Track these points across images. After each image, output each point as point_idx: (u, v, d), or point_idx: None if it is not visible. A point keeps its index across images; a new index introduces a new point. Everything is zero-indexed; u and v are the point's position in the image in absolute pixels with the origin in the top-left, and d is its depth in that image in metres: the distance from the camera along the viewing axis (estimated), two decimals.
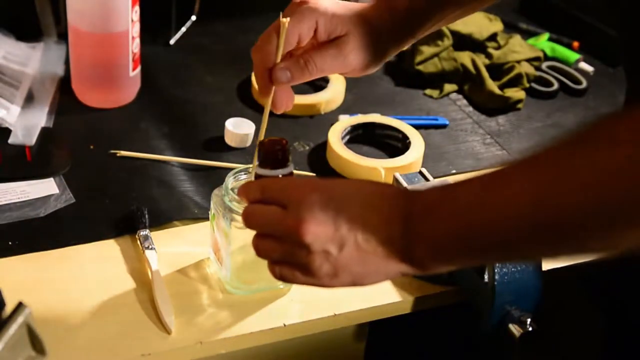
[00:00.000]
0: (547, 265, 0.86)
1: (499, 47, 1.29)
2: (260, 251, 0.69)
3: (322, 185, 0.68)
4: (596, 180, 0.55)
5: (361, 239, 0.65)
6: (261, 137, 0.79)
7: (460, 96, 1.23)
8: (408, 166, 1.03)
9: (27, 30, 1.22)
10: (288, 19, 0.76)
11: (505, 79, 1.23)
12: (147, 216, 0.92)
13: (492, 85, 1.21)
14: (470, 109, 1.21)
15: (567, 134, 0.59)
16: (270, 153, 0.74)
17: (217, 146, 1.08)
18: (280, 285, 0.87)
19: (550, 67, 1.30)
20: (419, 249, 0.64)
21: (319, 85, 1.21)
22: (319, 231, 0.65)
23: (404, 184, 0.93)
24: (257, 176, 0.75)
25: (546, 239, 0.59)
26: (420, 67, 1.24)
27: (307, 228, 0.65)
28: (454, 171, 1.08)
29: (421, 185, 0.93)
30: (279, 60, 0.77)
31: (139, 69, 1.14)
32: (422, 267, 0.65)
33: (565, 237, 0.58)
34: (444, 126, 1.17)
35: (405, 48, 0.86)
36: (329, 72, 0.80)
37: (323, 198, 0.66)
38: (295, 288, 0.88)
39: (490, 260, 0.70)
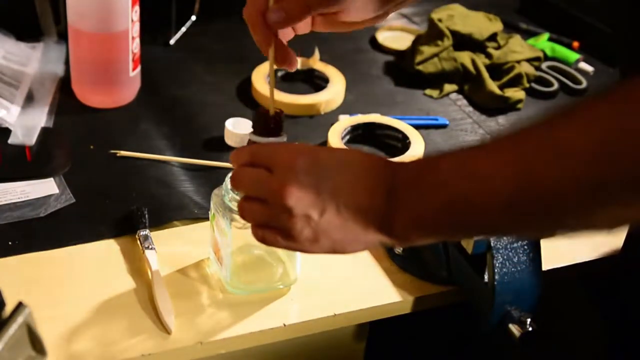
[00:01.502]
0: (547, 265, 0.86)
1: (499, 47, 1.29)
2: (244, 213, 0.70)
3: (309, 151, 0.69)
4: (575, 154, 0.56)
5: (343, 205, 0.66)
6: (271, 94, 0.78)
7: (460, 96, 1.23)
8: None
9: (27, 30, 1.22)
10: None
11: (505, 79, 1.23)
12: (147, 216, 0.92)
13: (492, 85, 1.21)
14: (470, 109, 1.21)
15: (547, 112, 0.59)
16: (264, 121, 0.76)
17: (217, 146, 1.08)
18: (280, 285, 0.87)
19: (550, 67, 1.30)
20: (399, 219, 0.65)
21: (319, 85, 1.21)
22: (302, 195, 0.66)
23: None
24: (250, 142, 0.77)
25: (523, 212, 0.59)
26: (420, 67, 1.24)
27: (290, 191, 0.66)
28: None
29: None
30: (271, 3, 0.73)
31: (139, 69, 1.14)
32: (402, 238, 0.66)
33: (541, 211, 0.59)
34: (444, 126, 1.17)
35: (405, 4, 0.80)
36: (323, 8, 0.74)
37: (308, 163, 0.67)
38: (295, 288, 0.88)
39: (470, 234, 0.69)
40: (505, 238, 0.82)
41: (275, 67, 0.76)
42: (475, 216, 0.62)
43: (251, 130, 0.77)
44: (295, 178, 0.67)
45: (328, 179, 0.67)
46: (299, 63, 1.21)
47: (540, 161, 0.57)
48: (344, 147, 1.05)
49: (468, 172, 0.62)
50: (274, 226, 0.69)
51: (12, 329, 0.66)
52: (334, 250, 0.69)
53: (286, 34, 0.78)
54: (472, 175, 0.61)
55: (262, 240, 0.70)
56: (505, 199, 0.59)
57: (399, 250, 0.91)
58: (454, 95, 1.23)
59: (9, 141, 1.04)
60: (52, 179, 0.99)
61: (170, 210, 0.95)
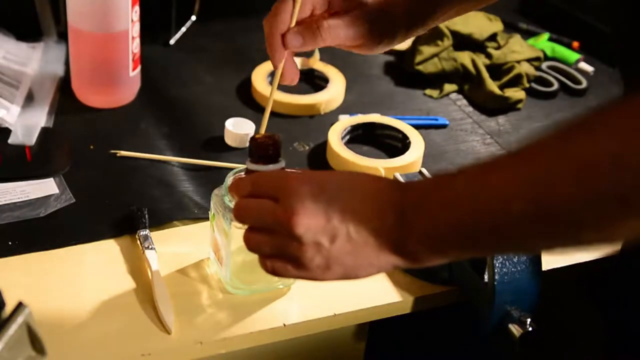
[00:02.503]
0: (547, 265, 0.86)
1: (499, 47, 1.29)
2: (251, 245, 0.69)
3: (314, 177, 0.68)
4: (592, 168, 0.55)
5: (353, 230, 0.64)
6: (269, 105, 0.80)
7: (460, 96, 1.23)
8: (408, 166, 1.03)
9: (27, 30, 1.22)
10: None
11: (505, 79, 1.23)
12: (147, 216, 0.92)
13: (492, 85, 1.21)
14: (470, 109, 1.21)
15: (561, 125, 0.58)
16: (262, 148, 0.75)
17: (217, 146, 1.07)
18: (280, 285, 0.87)
19: (550, 67, 1.30)
20: (411, 240, 0.63)
21: (319, 85, 1.21)
22: (311, 223, 0.64)
23: None
24: (248, 171, 0.76)
25: (539, 229, 0.58)
26: (420, 67, 1.24)
27: (298, 220, 0.64)
28: None
29: (415, 177, 0.94)
30: (293, 24, 0.78)
31: (139, 69, 1.14)
32: (415, 259, 0.65)
33: (558, 227, 0.58)
34: (444, 126, 1.17)
35: (412, 35, 0.86)
36: (338, 41, 0.80)
37: (315, 190, 0.66)
38: (295, 288, 0.88)
39: (483, 251, 0.68)
40: None
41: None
42: (487, 234, 0.61)
43: (248, 158, 0.76)
44: (302, 205, 0.65)
45: (336, 204, 0.65)
46: (299, 63, 1.22)
47: (556, 175, 0.56)
48: (344, 147, 1.05)
49: (480, 187, 0.60)
50: (283, 256, 0.67)
51: (12, 329, 0.66)
52: (347, 276, 0.67)
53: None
54: (484, 191, 0.60)
55: (272, 271, 0.68)
56: (518, 215, 0.58)
57: None
58: (454, 95, 1.23)
59: (9, 141, 1.04)
60: (52, 179, 0.99)
61: (170, 210, 0.95)
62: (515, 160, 0.60)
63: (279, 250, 0.67)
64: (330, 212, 0.65)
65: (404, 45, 1.31)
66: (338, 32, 0.79)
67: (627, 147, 0.53)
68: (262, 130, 0.80)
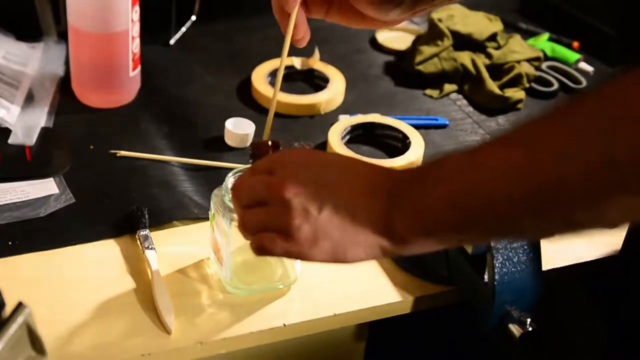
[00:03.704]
0: (547, 265, 0.86)
1: (499, 47, 1.29)
2: (245, 221, 0.68)
3: (309, 152, 0.70)
4: (583, 140, 0.55)
5: (342, 203, 0.65)
6: (281, 69, 0.79)
7: (460, 96, 1.23)
8: (408, 166, 1.03)
9: (27, 30, 1.22)
10: None
11: (505, 79, 1.23)
12: (147, 216, 0.92)
13: (492, 85, 1.21)
14: (470, 109, 1.21)
15: (552, 108, 0.58)
16: (262, 154, 0.75)
17: (217, 146, 1.07)
18: (280, 285, 0.87)
19: (550, 67, 1.30)
20: (400, 219, 0.63)
21: (319, 85, 1.21)
22: (301, 189, 0.65)
23: None
24: None
25: (529, 208, 0.58)
26: (420, 67, 1.24)
27: (288, 185, 0.65)
28: None
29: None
30: None
31: (139, 69, 1.14)
32: (402, 240, 0.64)
33: (548, 206, 0.57)
34: (444, 126, 1.17)
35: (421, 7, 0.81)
36: None
37: (309, 161, 0.67)
38: (295, 288, 0.88)
39: (473, 234, 0.66)
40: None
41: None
42: (479, 210, 0.60)
43: (250, 161, 0.76)
44: (294, 174, 0.66)
45: (328, 177, 0.66)
46: (299, 63, 1.22)
47: (547, 149, 0.56)
48: (344, 147, 1.05)
49: (471, 164, 0.61)
50: (272, 228, 0.67)
51: (12, 329, 0.66)
52: (335, 254, 0.66)
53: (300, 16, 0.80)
54: (476, 167, 0.60)
55: (260, 247, 0.67)
56: (509, 190, 0.58)
57: None
58: (454, 95, 1.23)
59: (9, 141, 1.04)
60: (52, 179, 0.99)
61: (170, 210, 0.95)
62: (507, 138, 0.61)
63: (269, 221, 0.67)
64: (321, 182, 0.66)
65: (404, 45, 1.31)
66: None
67: (617, 119, 0.53)
68: (267, 131, 0.80)
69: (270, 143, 0.76)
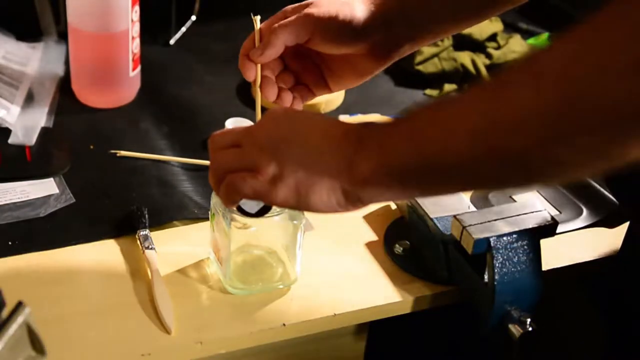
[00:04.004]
0: (547, 265, 0.86)
1: (499, 47, 1.29)
2: (217, 162, 0.71)
3: (287, 110, 0.75)
4: (545, 74, 0.55)
5: (312, 145, 0.67)
6: (258, 108, 0.84)
7: None
8: None
9: (27, 30, 1.22)
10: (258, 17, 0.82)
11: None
12: (147, 216, 0.92)
13: None
14: None
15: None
16: None
17: None
18: (280, 285, 0.87)
19: None
20: (363, 157, 0.65)
21: None
22: (272, 133, 0.68)
23: None
24: None
25: (494, 143, 0.58)
26: (420, 67, 1.24)
27: (262, 128, 0.69)
28: None
29: None
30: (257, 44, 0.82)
31: (139, 69, 1.14)
32: (363, 181, 0.65)
33: (512, 140, 0.57)
34: None
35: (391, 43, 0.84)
36: (292, 38, 0.80)
37: (283, 114, 0.71)
38: (295, 288, 0.88)
39: (433, 180, 0.65)
40: (504, 238, 0.82)
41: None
42: (441, 150, 0.60)
43: None
44: (268, 120, 0.70)
45: (300, 125, 0.69)
46: None
47: (509, 85, 0.57)
48: None
49: (437, 107, 0.63)
50: (242, 166, 0.69)
51: (12, 329, 0.66)
52: (298, 193, 0.67)
53: (305, 96, 0.86)
54: (441, 108, 0.62)
55: (228, 187, 0.69)
56: (471, 127, 0.58)
57: (398, 249, 0.92)
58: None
59: (9, 141, 1.04)
60: (52, 179, 0.99)
61: (170, 210, 0.95)
62: (472, 94, 0.62)
63: (241, 160, 0.69)
64: (293, 124, 0.69)
65: None
66: (288, 27, 0.79)
67: (579, 57, 0.53)
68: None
69: None
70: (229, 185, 0.69)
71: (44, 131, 1.07)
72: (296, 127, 0.69)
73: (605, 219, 0.98)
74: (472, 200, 0.97)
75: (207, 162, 1.04)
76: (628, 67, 0.51)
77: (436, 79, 1.24)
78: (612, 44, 0.52)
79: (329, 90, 0.86)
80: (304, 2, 0.81)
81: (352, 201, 0.67)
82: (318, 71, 0.85)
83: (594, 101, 0.52)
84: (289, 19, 0.80)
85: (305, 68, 0.84)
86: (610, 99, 0.52)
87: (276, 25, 0.80)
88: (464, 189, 0.78)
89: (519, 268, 0.83)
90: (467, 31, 1.28)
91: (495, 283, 0.82)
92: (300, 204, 0.68)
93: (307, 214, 0.88)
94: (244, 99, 1.18)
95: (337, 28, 0.80)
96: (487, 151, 0.58)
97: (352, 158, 0.65)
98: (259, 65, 0.82)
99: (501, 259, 0.82)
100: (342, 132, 0.67)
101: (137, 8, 1.09)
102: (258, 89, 0.82)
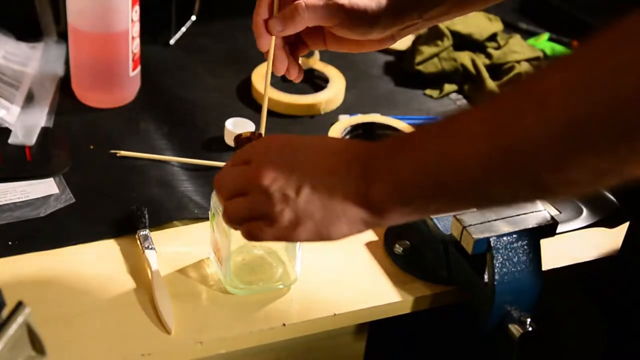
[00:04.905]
0: (547, 265, 0.86)
1: (499, 47, 1.29)
2: (229, 211, 0.71)
3: (282, 136, 0.71)
4: (548, 98, 0.55)
5: (319, 181, 0.66)
6: (265, 103, 0.83)
7: (460, 96, 1.23)
8: None
9: (27, 30, 1.22)
10: None
11: (505, 79, 1.23)
12: (147, 216, 0.92)
13: (492, 85, 1.21)
14: None
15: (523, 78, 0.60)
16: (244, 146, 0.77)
17: (217, 146, 1.07)
18: (280, 285, 0.87)
19: None
20: (377, 189, 0.64)
21: (319, 85, 1.21)
22: (276, 175, 0.67)
23: None
24: None
25: (503, 167, 0.58)
26: (420, 67, 1.24)
27: (264, 173, 0.67)
28: None
29: None
30: (275, 12, 0.80)
31: (139, 69, 1.14)
32: (381, 210, 0.65)
33: (520, 164, 0.57)
34: None
35: (402, 26, 0.84)
36: (317, 20, 0.80)
37: (281, 145, 0.69)
38: (295, 288, 0.88)
39: (447, 201, 0.65)
40: (504, 238, 0.82)
41: (271, 72, 0.82)
42: (454, 176, 0.60)
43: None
44: (268, 161, 0.68)
45: (302, 156, 0.68)
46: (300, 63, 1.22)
47: (516, 111, 0.57)
48: None
49: (445, 132, 0.62)
50: (256, 216, 0.68)
51: (12, 329, 0.66)
52: (319, 233, 0.67)
53: (301, 50, 0.85)
54: (449, 134, 0.61)
55: (249, 234, 0.69)
56: (483, 153, 0.58)
57: (398, 249, 0.92)
58: (454, 95, 1.23)
59: (9, 141, 1.04)
60: (52, 179, 0.99)
61: (170, 210, 0.95)
62: (479, 104, 0.62)
63: (253, 210, 0.69)
64: (295, 164, 0.67)
65: (404, 45, 1.31)
66: (315, 11, 0.79)
67: (582, 76, 0.53)
68: (262, 128, 0.83)
69: (250, 135, 0.78)
70: (249, 233, 0.70)
71: (44, 131, 1.07)
72: (296, 165, 0.67)
73: (605, 219, 0.98)
74: None
75: (207, 162, 1.04)
76: (637, 88, 0.51)
77: (436, 79, 1.24)
78: (618, 66, 0.52)
79: (325, 48, 0.86)
80: None
81: (372, 225, 0.67)
82: (321, 35, 0.85)
83: (603, 123, 0.53)
84: (316, 1, 0.80)
85: (308, 31, 0.84)
86: (619, 121, 0.52)
87: (303, 3, 0.79)
88: (479, 206, 0.77)
89: (519, 268, 0.83)
90: (467, 31, 1.28)
91: (495, 283, 0.82)
92: (323, 239, 0.68)
93: None
94: (244, 99, 1.18)
95: (358, 17, 0.80)
96: (499, 179, 0.59)
97: (364, 191, 0.65)
98: (274, 38, 0.81)
99: (501, 259, 0.82)
100: (344, 164, 0.66)
101: (137, 8, 1.09)
102: (270, 63, 0.82)
